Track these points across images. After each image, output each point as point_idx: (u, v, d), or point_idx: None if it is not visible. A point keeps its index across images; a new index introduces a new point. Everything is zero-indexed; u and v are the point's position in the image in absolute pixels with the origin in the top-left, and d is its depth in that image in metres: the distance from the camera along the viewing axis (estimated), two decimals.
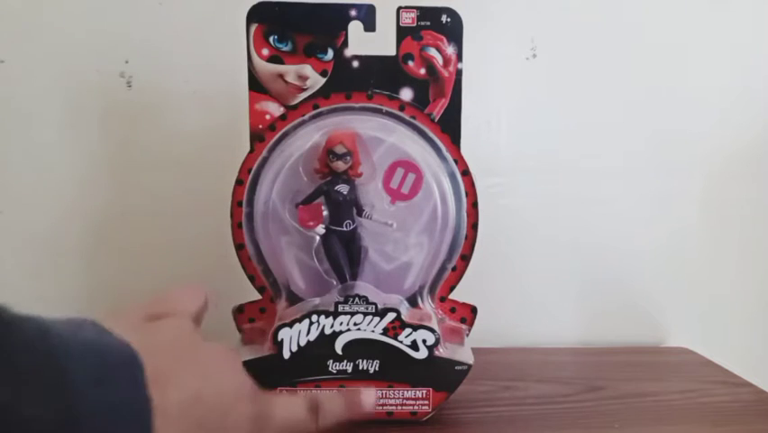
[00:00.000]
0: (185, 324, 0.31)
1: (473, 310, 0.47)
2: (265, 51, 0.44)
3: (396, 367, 0.43)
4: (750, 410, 0.48)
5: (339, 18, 0.44)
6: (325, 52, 0.44)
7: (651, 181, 0.64)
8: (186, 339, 0.30)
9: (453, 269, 0.46)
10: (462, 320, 0.47)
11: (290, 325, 0.42)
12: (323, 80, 0.44)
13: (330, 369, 0.42)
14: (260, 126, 0.45)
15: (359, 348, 0.42)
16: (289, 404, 0.33)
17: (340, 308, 0.42)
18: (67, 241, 0.61)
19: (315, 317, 0.42)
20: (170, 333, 0.30)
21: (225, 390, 0.29)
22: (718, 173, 0.65)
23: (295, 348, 0.42)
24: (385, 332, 0.42)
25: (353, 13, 0.44)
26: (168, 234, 0.61)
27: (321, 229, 0.43)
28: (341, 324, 0.42)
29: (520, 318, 0.64)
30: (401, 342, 0.42)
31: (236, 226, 0.45)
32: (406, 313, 0.43)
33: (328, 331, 0.42)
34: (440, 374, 0.43)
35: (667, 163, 0.64)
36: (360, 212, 0.43)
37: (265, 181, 0.44)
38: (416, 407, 0.43)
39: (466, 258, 0.46)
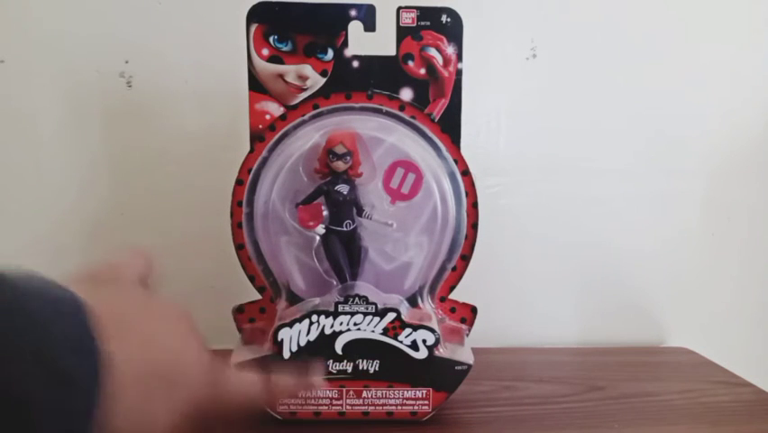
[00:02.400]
0: (132, 284, 0.31)
1: (473, 310, 0.47)
2: (265, 51, 0.44)
3: (396, 367, 0.43)
4: (750, 410, 0.48)
5: (339, 18, 0.44)
6: (325, 52, 0.44)
7: (651, 181, 0.64)
8: (135, 297, 0.30)
9: (453, 269, 0.46)
10: (462, 320, 0.47)
11: (290, 325, 0.42)
12: (323, 80, 0.44)
13: (330, 369, 0.42)
14: (260, 126, 0.45)
15: (359, 348, 0.42)
16: (244, 381, 0.33)
17: (340, 308, 0.42)
18: (67, 241, 0.61)
19: (315, 317, 0.42)
20: (119, 291, 0.29)
21: (180, 350, 0.28)
22: (719, 173, 0.65)
23: (295, 348, 0.42)
24: (385, 332, 0.42)
25: (353, 13, 0.44)
26: (167, 234, 0.61)
27: (321, 229, 0.43)
28: (341, 324, 0.42)
29: (520, 318, 0.64)
30: (401, 342, 0.42)
31: (236, 226, 0.45)
32: (406, 313, 0.43)
33: (328, 331, 0.42)
34: (440, 374, 0.43)
35: (667, 163, 0.64)
36: (360, 212, 0.43)
37: (265, 181, 0.44)
38: (416, 407, 0.43)
39: (466, 258, 0.46)
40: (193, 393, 0.28)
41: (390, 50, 0.44)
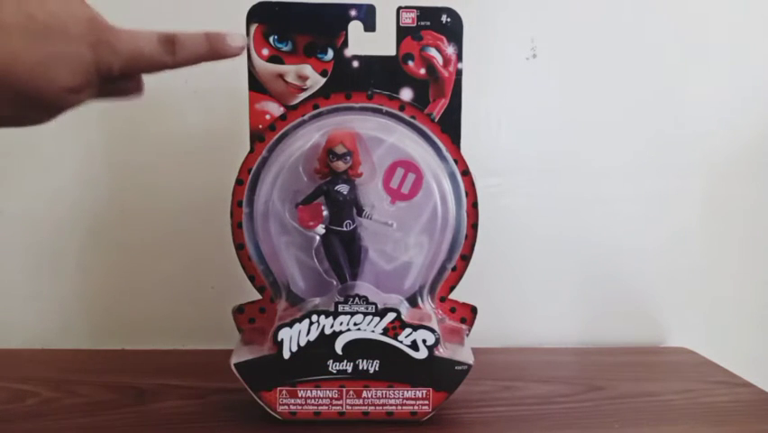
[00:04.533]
0: None
1: (473, 310, 0.47)
2: (265, 51, 0.44)
3: (396, 367, 0.43)
4: (750, 410, 0.48)
5: (339, 18, 0.44)
6: (325, 52, 0.44)
7: (651, 181, 0.64)
8: None
9: (453, 269, 0.46)
10: (462, 320, 0.47)
11: (290, 325, 0.42)
12: (323, 80, 0.44)
13: (330, 369, 0.42)
14: (260, 126, 0.45)
15: (359, 348, 0.42)
16: (138, 36, 0.34)
17: (340, 308, 0.42)
18: (67, 240, 0.61)
19: (315, 317, 0.42)
20: None
21: (64, 13, 0.30)
22: (719, 173, 0.65)
23: (295, 348, 0.42)
24: (385, 332, 0.42)
25: (353, 13, 0.44)
26: (167, 233, 0.61)
27: (321, 229, 0.43)
28: (341, 324, 0.42)
29: (520, 318, 0.64)
30: (401, 342, 0.42)
31: (236, 226, 0.45)
32: (406, 313, 0.43)
33: (328, 331, 0.42)
34: (440, 374, 0.43)
35: (667, 163, 0.64)
36: (360, 212, 0.43)
37: (265, 181, 0.44)
38: (416, 407, 0.43)
39: (466, 258, 0.46)
40: (78, 49, 0.31)
41: (390, 50, 0.44)
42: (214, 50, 0.36)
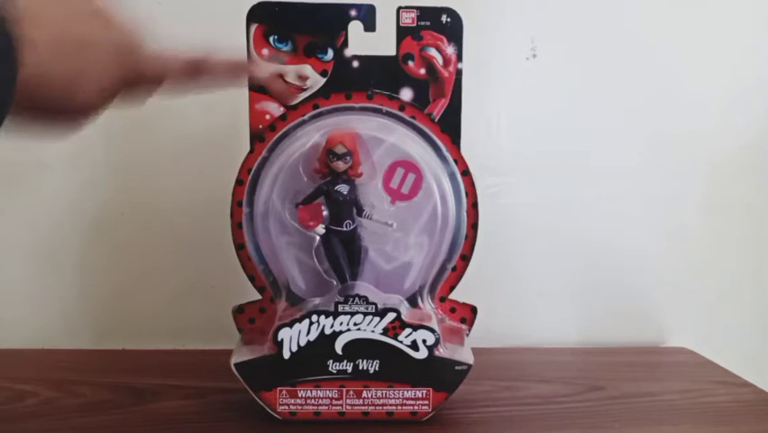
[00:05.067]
0: None
1: (473, 310, 0.47)
2: (265, 51, 0.44)
3: (396, 367, 0.43)
4: (750, 410, 0.48)
5: (339, 18, 0.44)
6: (325, 52, 0.44)
7: (651, 181, 0.64)
8: None
9: (453, 269, 0.46)
10: (462, 320, 0.47)
11: (290, 325, 0.42)
12: (323, 80, 0.44)
13: (330, 369, 0.42)
14: (260, 126, 0.45)
15: (359, 348, 0.42)
16: (163, 58, 0.35)
17: (340, 308, 0.42)
18: (67, 241, 0.61)
19: (315, 317, 0.42)
20: None
21: (92, 34, 0.31)
22: (719, 173, 0.65)
23: (295, 348, 0.42)
24: (385, 332, 0.42)
25: (353, 13, 0.44)
26: (167, 233, 0.61)
27: (321, 229, 0.43)
28: (341, 324, 0.42)
29: (520, 318, 0.64)
30: (401, 342, 0.42)
31: (236, 226, 0.45)
32: (406, 313, 0.43)
33: (328, 331, 0.42)
34: (440, 374, 0.43)
35: (667, 163, 0.64)
36: (360, 212, 0.43)
37: (265, 181, 0.44)
38: (416, 407, 0.43)
39: (466, 258, 0.46)
40: (105, 68, 0.32)
41: (390, 50, 0.44)
42: (236, 78, 0.38)
